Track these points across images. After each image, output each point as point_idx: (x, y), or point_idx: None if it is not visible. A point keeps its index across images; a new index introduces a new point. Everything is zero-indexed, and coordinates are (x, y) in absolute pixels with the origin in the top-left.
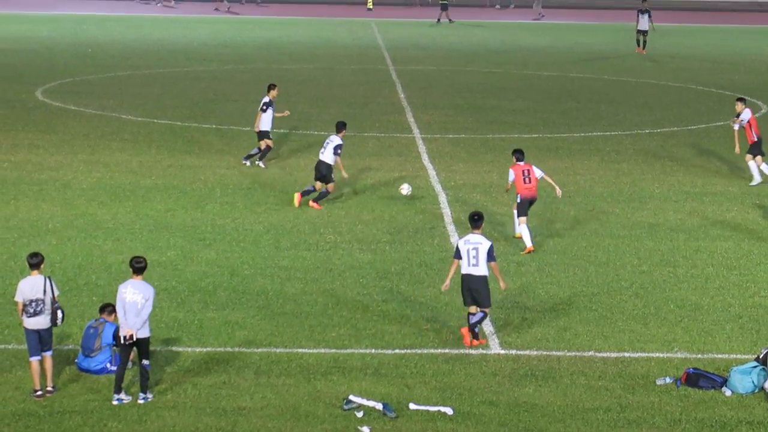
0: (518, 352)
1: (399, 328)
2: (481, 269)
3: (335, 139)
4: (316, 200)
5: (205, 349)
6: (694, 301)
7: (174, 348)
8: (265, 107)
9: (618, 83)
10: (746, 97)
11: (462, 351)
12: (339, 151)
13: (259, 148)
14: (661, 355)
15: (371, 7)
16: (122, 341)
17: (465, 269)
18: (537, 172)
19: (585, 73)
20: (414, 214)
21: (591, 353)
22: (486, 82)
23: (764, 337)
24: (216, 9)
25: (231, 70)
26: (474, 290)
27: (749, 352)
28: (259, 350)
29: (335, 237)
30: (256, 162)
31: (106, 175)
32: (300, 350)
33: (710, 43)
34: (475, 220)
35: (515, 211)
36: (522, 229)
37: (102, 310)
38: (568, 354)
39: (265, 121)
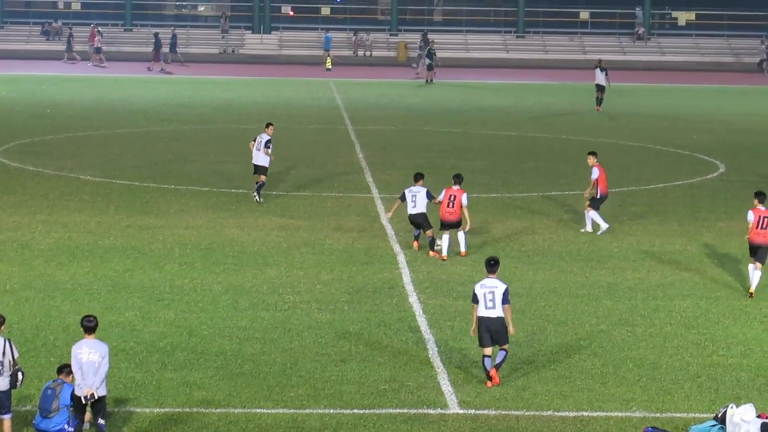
0: (477, 412)
1: (357, 388)
2: (498, 311)
3: (420, 189)
4: (431, 249)
5: (163, 410)
6: (653, 360)
7: (132, 408)
8: (268, 145)
9: (577, 142)
10: (596, 152)
11: (421, 411)
12: (429, 198)
13: (262, 182)
14: (620, 414)
15: (330, 67)
16: (83, 401)
17: (482, 312)
18: (464, 200)
19: (544, 132)
20: (373, 274)
21: (550, 413)
22: (445, 142)
23: (723, 395)
24: (149, 69)
25: (190, 130)
26: (493, 331)
27: (708, 410)
28: (218, 411)
29: (294, 297)
30: (254, 195)
31: (64, 235)
32: (258, 410)
33: (669, 102)
34: (491, 265)
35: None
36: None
37: (60, 371)
38: (526, 413)
39: (265, 158)
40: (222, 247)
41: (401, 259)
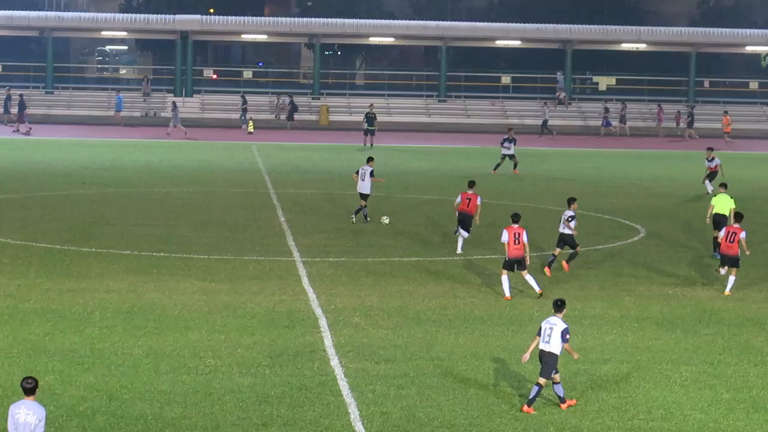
0: None
1: None
2: (551, 346)
3: (568, 213)
4: (568, 261)
5: None
6: (574, 424)
7: None
8: (373, 174)
9: (498, 206)
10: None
11: None
12: (573, 222)
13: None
14: None
15: (252, 130)
16: None
17: (540, 345)
18: (525, 238)
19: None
20: (294, 338)
21: None
22: (355, 205)
23: None
24: (15, 131)
25: (111, 193)
26: (543, 362)
27: None
28: None
29: (215, 361)
30: (351, 217)
31: None
32: None
33: (590, 166)
34: (558, 306)
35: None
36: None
37: None
38: None
39: (369, 186)
40: (143, 311)
41: (323, 322)
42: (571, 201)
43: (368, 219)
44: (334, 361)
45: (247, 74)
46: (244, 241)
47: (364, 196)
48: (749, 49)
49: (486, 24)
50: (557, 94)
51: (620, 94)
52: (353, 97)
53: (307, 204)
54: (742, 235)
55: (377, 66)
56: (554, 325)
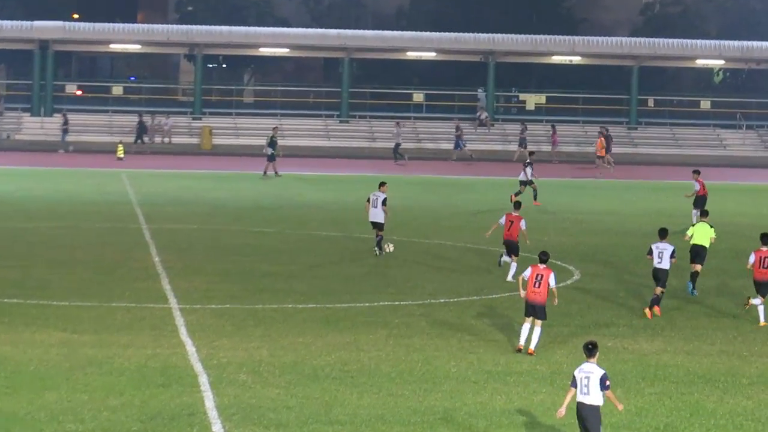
0: None
1: None
2: (591, 398)
3: (667, 247)
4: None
5: None
6: None
7: None
8: (385, 202)
9: (410, 244)
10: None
11: None
12: (674, 256)
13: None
14: None
15: (122, 156)
16: None
17: (578, 397)
18: (551, 281)
19: (370, 233)
20: (170, 399)
21: None
22: (257, 243)
23: None
24: None
25: None
26: (584, 418)
27: None
28: None
29: (77, 426)
30: (375, 249)
31: None
32: None
33: (521, 199)
34: (590, 349)
35: None
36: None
37: None
38: None
39: (382, 214)
40: None
41: (203, 380)
42: (663, 233)
43: (379, 251)
44: (217, 426)
45: (117, 90)
46: (112, 284)
47: (377, 225)
48: (700, 62)
49: (395, 33)
50: (478, 113)
51: (551, 114)
52: (241, 117)
53: (186, 241)
54: None
55: (269, 81)
56: (590, 373)
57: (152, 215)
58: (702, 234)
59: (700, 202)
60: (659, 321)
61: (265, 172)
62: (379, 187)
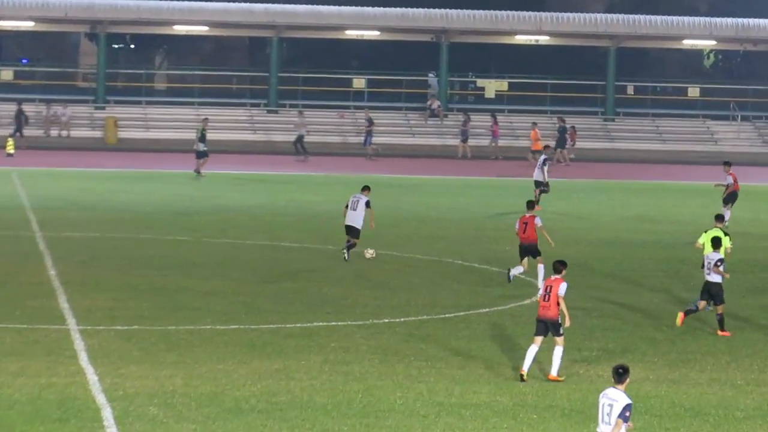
0: None
1: None
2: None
3: (715, 255)
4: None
5: None
6: None
7: None
8: (368, 205)
9: (354, 255)
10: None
11: None
12: (721, 264)
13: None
14: None
15: (12, 151)
16: None
17: (599, 427)
18: (560, 290)
19: (303, 242)
20: None
21: None
22: (171, 254)
23: None
24: None
25: None
26: None
27: None
28: None
29: None
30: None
31: None
32: None
33: (473, 202)
34: (620, 374)
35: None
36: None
37: None
38: None
39: (360, 219)
40: None
41: (107, 413)
42: (717, 242)
43: (347, 256)
44: None
45: (7, 75)
46: (0, 302)
47: (352, 231)
48: (688, 43)
49: (332, 8)
50: (428, 102)
51: (514, 102)
52: (152, 107)
53: (87, 252)
54: None
55: (185, 65)
56: (614, 401)
57: (48, 221)
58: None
59: (731, 198)
60: (640, 344)
61: (197, 171)
62: (362, 190)
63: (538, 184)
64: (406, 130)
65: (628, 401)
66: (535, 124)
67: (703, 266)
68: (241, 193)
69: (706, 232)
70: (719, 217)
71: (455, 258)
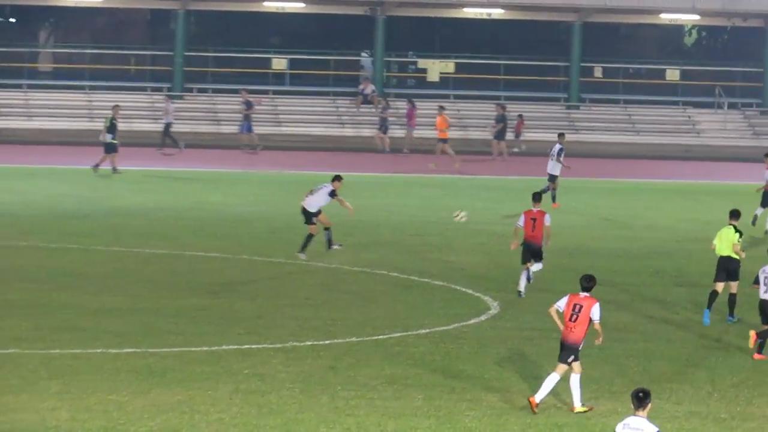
0: None
1: None
2: None
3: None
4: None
5: None
6: None
7: None
8: (334, 194)
9: (270, 266)
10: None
11: None
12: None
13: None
14: None
15: None
16: None
17: None
18: (595, 313)
19: (217, 251)
20: None
21: None
22: (55, 265)
23: None
24: None
25: None
26: None
27: None
28: None
29: None
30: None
31: None
32: None
33: (411, 204)
34: (640, 399)
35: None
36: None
37: None
38: None
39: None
40: None
41: None
42: None
43: (304, 252)
44: None
45: None
46: None
47: (305, 214)
48: (666, 17)
49: None
50: (361, 87)
51: (462, 86)
52: (34, 91)
53: None
54: None
55: (74, 42)
56: (639, 431)
57: None
58: (725, 242)
59: None
60: (606, 371)
61: (97, 166)
62: (332, 180)
63: (552, 177)
64: (334, 119)
65: (655, 429)
66: (442, 108)
67: (756, 282)
68: (139, 193)
69: (720, 231)
70: (734, 214)
71: (390, 270)
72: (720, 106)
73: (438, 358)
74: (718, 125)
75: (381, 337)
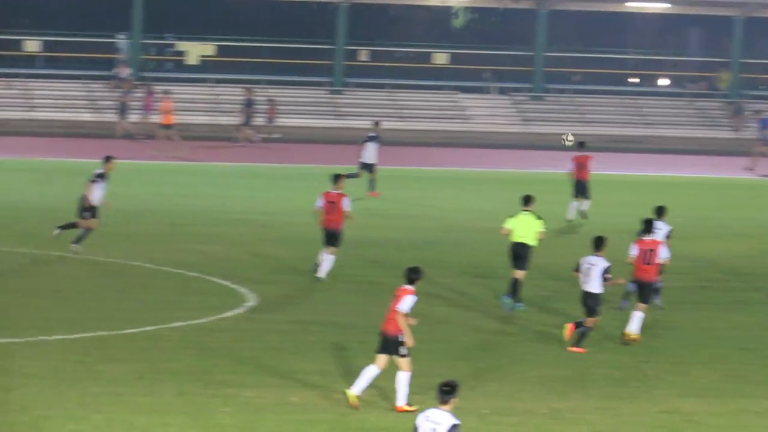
0: None
1: None
2: None
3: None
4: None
5: None
6: None
7: None
8: (103, 177)
9: (18, 257)
10: None
11: None
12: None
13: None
14: None
15: None
16: None
17: None
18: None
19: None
20: None
21: None
22: None
23: None
24: None
25: None
26: None
27: None
28: None
29: None
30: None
31: None
32: None
33: (164, 192)
34: (446, 393)
35: None
36: None
37: None
38: None
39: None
40: None
41: None
42: (599, 242)
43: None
44: None
45: None
46: None
47: (91, 210)
48: (631, 5)
49: None
50: (117, 70)
51: (222, 70)
52: None
53: None
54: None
55: None
56: (437, 424)
57: None
58: (526, 229)
59: None
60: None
61: None
62: (106, 162)
63: (366, 166)
64: (87, 104)
65: (454, 422)
66: (166, 92)
67: (577, 269)
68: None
69: (512, 216)
70: (528, 200)
71: (144, 261)
72: (489, 91)
73: (192, 353)
74: (486, 111)
75: (132, 330)
